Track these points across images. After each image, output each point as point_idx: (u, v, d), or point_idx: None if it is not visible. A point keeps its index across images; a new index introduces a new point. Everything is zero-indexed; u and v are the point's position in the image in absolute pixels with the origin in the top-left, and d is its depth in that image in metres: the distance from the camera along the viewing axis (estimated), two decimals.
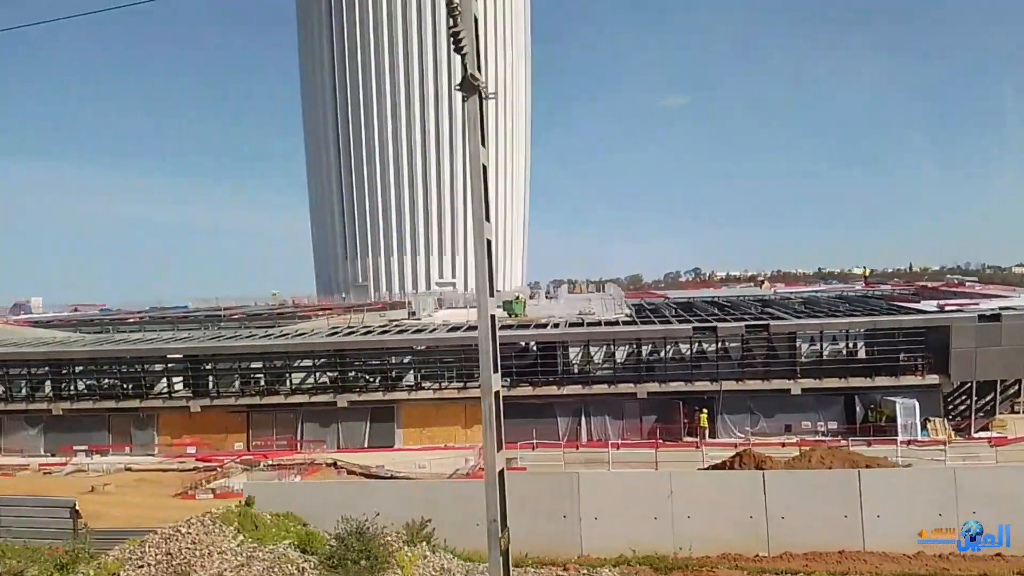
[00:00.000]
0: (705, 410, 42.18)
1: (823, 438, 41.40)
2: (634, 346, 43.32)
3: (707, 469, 31.50)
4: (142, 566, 11.03)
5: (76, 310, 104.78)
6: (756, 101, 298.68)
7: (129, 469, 41.75)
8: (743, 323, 41.95)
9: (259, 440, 43.38)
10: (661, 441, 41.00)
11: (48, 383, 46.22)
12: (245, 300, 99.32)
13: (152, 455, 43.94)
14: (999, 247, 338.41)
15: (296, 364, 43.88)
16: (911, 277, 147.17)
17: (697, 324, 42.15)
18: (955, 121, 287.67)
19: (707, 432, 42.22)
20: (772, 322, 41.88)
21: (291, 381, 43.70)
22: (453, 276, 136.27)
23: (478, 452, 39.58)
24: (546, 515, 21.30)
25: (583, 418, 42.55)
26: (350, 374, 43.87)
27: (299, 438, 43.33)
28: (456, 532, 20.44)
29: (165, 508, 32.98)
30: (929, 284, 69.76)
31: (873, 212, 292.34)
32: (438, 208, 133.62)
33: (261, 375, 45.05)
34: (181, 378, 45.35)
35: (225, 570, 10.80)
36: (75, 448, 42.99)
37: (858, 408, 42.51)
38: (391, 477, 35.47)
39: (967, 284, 65.72)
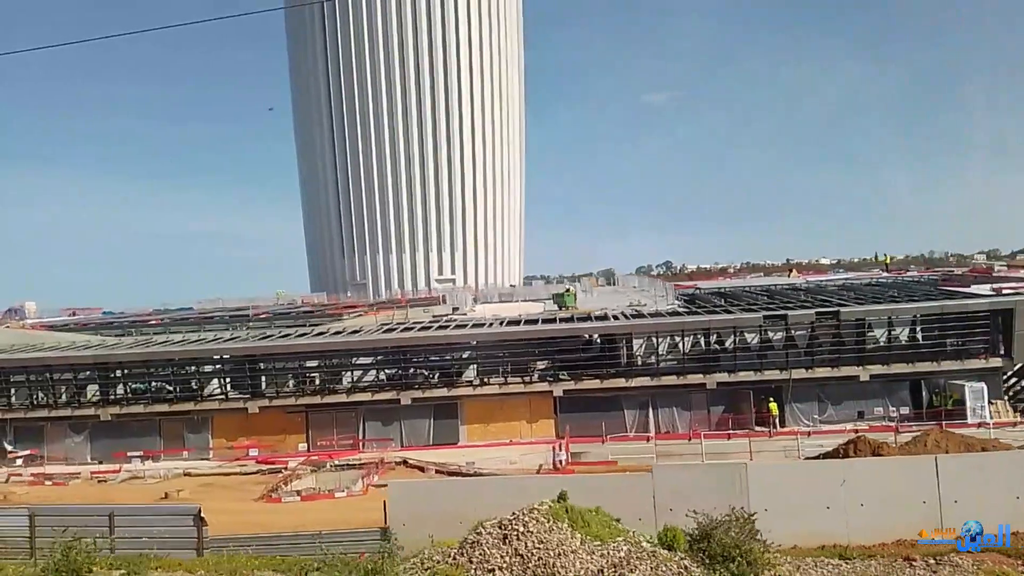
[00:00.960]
0: (772, 399, 41.87)
1: (891, 424, 41.31)
2: (698, 336, 42.87)
3: (816, 458, 31.18)
4: (492, 569, 10.18)
5: (74, 314, 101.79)
6: (726, 99, 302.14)
7: (188, 474, 40.37)
8: (813, 310, 41.68)
9: (321, 440, 42.21)
10: (733, 431, 40.77)
11: (91, 388, 44.63)
12: (253, 300, 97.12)
13: (207, 459, 42.62)
14: (960, 236, 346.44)
15: (353, 362, 42.78)
16: (877, 265, 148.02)
17: (767, 312, 41.81)
18: (920, 117, 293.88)
19: (777, 421, 41.87)
20: (842, 308, 41.58)
21: (352, 379, 42.65)
22: (452, 273, 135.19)
23: (557, 447, 38.91)
24: (711, 508, 20.65)
25: (651, 410, 42.00)
26: (411, 371, 42.92)
27: (361, 437, 42.26)
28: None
29: (255, 512, 31.87)
30: (956, 270, 70.44)
31: (837, 205, 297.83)
32: (436, 205, 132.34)
33: (317, 374, 43.96)
34: (229, 379, 44.10)
35: (603, 568, 10.01)
36: (129, 454, 41.48)
37: (924, 393, 42.43)
38: (475, 474, 34.69)
39: (995, 268, 66.43)
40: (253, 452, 40.87)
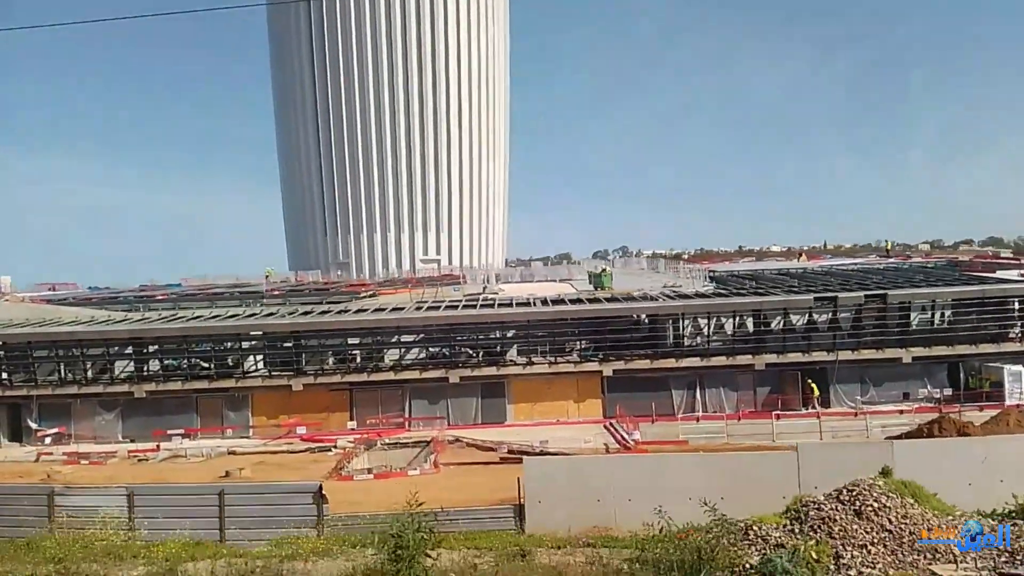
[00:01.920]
0: (813, 380, 42.29)
1: (932, 404, 41.98)
2: (744, 318, 43.03)
3: (896, 438, 31.48)
4: (863, 545, 9.82)
5: (53, 289, 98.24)
6: (678, 87, 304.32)
7: (232, 452, 39.15)
8: (861, 292, 42.14)
9: (368, 419, 41.40)
10: (780, 412, 41.07)
11: (120, 364, 42.97)
12: (241, 278, 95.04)
13: (247, 437, 41.49)
14: (903, 228, 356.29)
15: (400, 339, 41.98)
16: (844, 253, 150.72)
17: (817, 294, 42.16)
18: (868, 106, 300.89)
19: (818, 402, 42.25)
20: (890, 291, 42.11)
21: (398, 356, 41.85)
22: (438, 253, 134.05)
23: (609, 426, 38.79)
24: None
25: (698, 391, 42.09)
26: (456, 349, 42.31)
27: (407, 415, 41.57)
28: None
29: (332, 491, 30.94)
30: (961, 256, 72.32)
31: (785, 194, 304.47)
32: (422, 183, 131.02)
33: (358, 352, 43.09)
34: (270, 356, 42.93)
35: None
36: (169, 432, 40.13)
37: (961, 375, 43.26)
38: (541, 453, 34.34)
39: (1003, 256, 68.24)
40: (300, 430, 39.88)
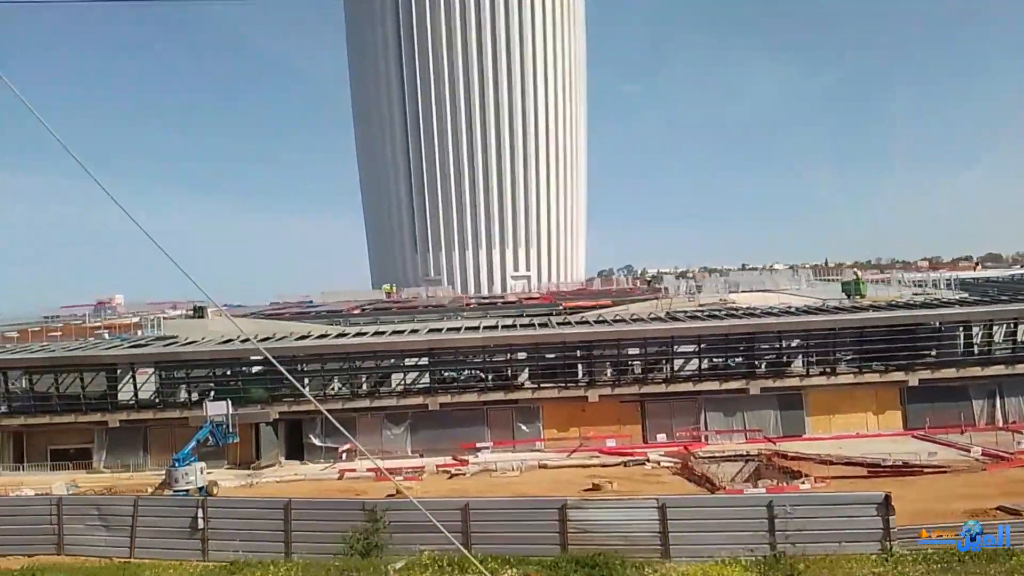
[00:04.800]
0: None
1: None
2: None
3: None
4: None
5: (175, 308, 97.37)
6: (663, 105, 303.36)
7: (544, 466, 38.11)
8: None
9: (658, 431, 40.39)
10: None
11: (394, 377, 41.95)
12: (359, 295, 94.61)
13: (539, 450, 40.33)
14: (900, 244, 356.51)
15: (675, 350, 40.85)
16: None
17: None
18: (856, 122, 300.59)
19: None
20: None
21: (681, 366, 40.75)
22: (528, 269, 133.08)
23: (927, 436, 37.65)
24: None
25: (998, 399, 41.00)
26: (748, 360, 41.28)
27: (703, 427, 40.47)
28: None
29: None
30: None
31: (783, 211, 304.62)
32: (512, 200, 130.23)
33: (638, 362, 42.03)
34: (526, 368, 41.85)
35: None
36: (478, 445, 39.03)
37: None
38: (917, 467, 33.29)
39: None
40: (609, 443, 38.74)
